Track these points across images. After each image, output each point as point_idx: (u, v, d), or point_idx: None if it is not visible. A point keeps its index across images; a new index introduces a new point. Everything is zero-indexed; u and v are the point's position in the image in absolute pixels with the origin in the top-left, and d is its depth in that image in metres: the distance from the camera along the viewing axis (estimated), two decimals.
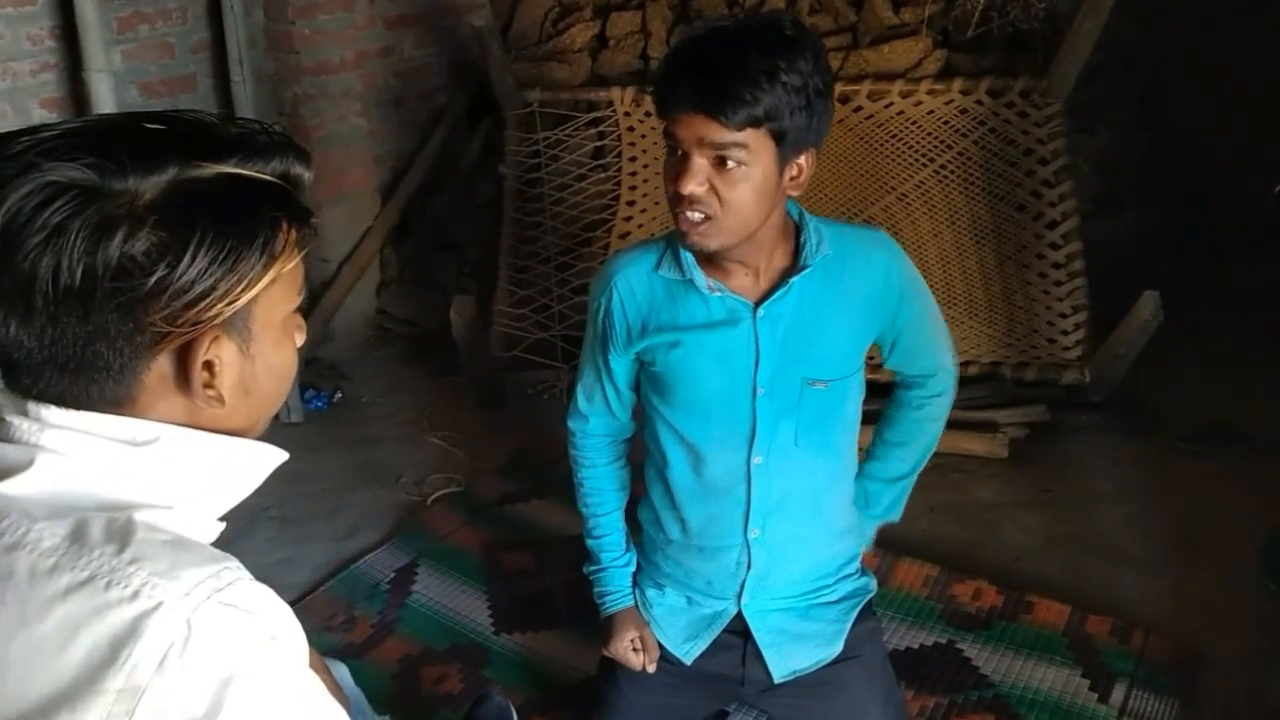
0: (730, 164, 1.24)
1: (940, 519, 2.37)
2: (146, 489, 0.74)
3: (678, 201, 1.27)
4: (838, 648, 1.54)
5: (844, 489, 1.56)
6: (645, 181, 3.05)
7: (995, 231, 2.82)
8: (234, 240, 0.71)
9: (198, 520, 0.77)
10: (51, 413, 0.72)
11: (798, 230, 1.40)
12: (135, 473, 0.73)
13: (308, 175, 0.79)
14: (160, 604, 0.65)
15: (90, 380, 0.72)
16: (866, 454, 1.64)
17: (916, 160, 2.89)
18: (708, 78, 1.21)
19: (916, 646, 1.98)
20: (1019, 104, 2.87)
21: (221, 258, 0.71)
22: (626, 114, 3.07)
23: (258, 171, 0.74)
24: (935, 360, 1.57)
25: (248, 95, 2.77)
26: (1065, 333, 2.71)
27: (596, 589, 1.60)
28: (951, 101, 2.89)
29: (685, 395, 1.43)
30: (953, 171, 2.86)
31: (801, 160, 1.29)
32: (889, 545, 2.25)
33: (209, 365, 0.74)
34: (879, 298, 1.43)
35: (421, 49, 3.38)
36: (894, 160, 2.90)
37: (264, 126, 0.77)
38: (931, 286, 2.73)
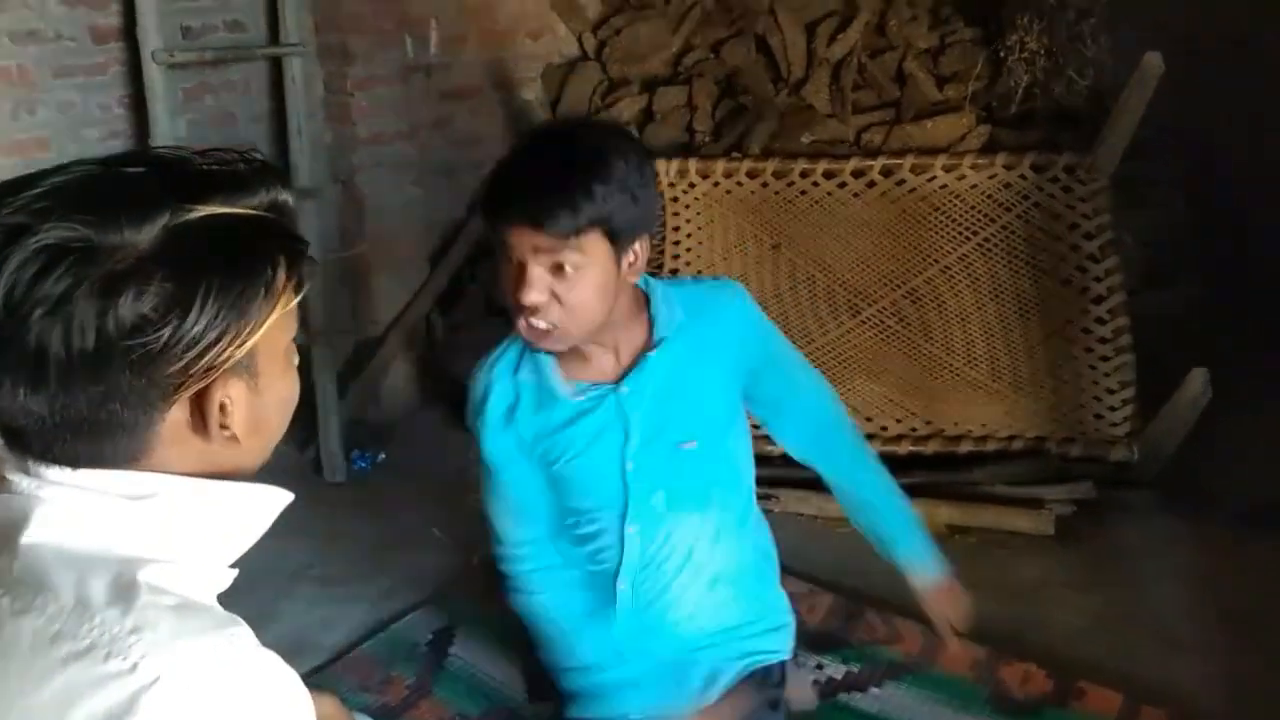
0: (567, 268, 1.27)
1: (984, 597, 2.31)
2: (150, 543, 0.72)
3: (519, 311, 1.30)
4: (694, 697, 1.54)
5: (729, 547, 1.56)
6: (689, 250, 3.08)
7: (1040, 305, 2.80)
8: (241, 283, 0.70)
9: (206, 572, 0.75)
10: (52, 471, 0.71)
11: (649, 301, 1.44)
12: (137, 527, 0.71)
13: (293, 200, 0.78)
14: (158, 679, 0.63)
15: (105, 440, 0.70)
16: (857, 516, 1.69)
17: (960, 233, 2.89)
18: (531, 193, 1.26)
19: None
20: (1064, 179, 2.88)
21: (231, 302, 0.69)
22: (671, 184, 3.12)
23: (246, 206, 0.72)
24: (819, 394, 1.61)
25: (306, 164, 2.86)
26: (1113, 409, 2.67)
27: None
28: (995, 176, 2.90)
29: (573, 484, 1.49)
30: (996, 245, 2.86)
31: (636, 247, 1.33)
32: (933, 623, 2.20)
33: (222, 407, 0.73)
34: (737, 339, 1.48)
35: (474, 120, 3.48)
36: (937, 233, 2.91)
37: (240, 154, 0.75)
38: (975, 360, 2.76)
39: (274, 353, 0.75)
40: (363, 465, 2.94)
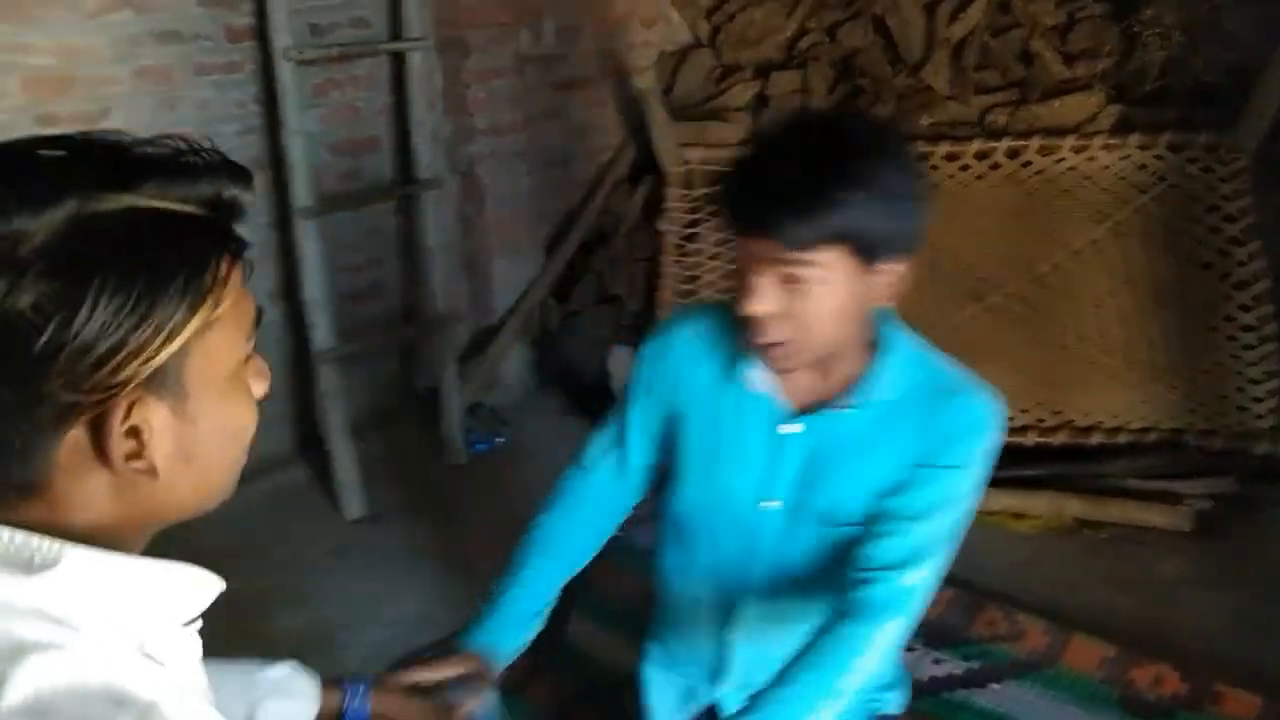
0: (801, 284, 1.09)
1: (1115, 594, 2.23)
2: (48, 624, 0.58)
3: (747, 323, 1.14)
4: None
5: None
6: None
7: (1178, 292, 2.67)
8: (143, 285, 0.58)
9: (122, 652, 0.61)
10: None
11: (878, 348, 1.21)
12: (29, 600, 0.59)
13: (246, 197, 0.66)
14: None
15: None
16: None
17: (1091, 217, 2.78)
18: (766, 195, 1.09)
19: None
20: (1203, 159, 2.73)
21: (130, 307, 0.58)
22: None
23: (179, 199, 0.61)
24: (908, 554, 1.19)
25: (426, 155, 2.93)
26: (1257, 400, 2.53)
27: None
28: (1128, 157, 2.78)
29: (696, 485, 1.31)
30: (1131, 228, 2.74)
31: (891, 266, 1.13)
32: (1060, 620, 2.13)
33: (136, 432, 0.61)
34: (933, 447, 1.19)
35: (588, 110, 3.51)
36: (1066, 217, 2.80)
37: (193, 145, 0.64)
38: (1108, 348, 2.65)
39: (210, 373, 0.63)
40: (482, 448, 3.00)
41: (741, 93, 3.46)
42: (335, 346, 2.70)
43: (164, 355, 0.60)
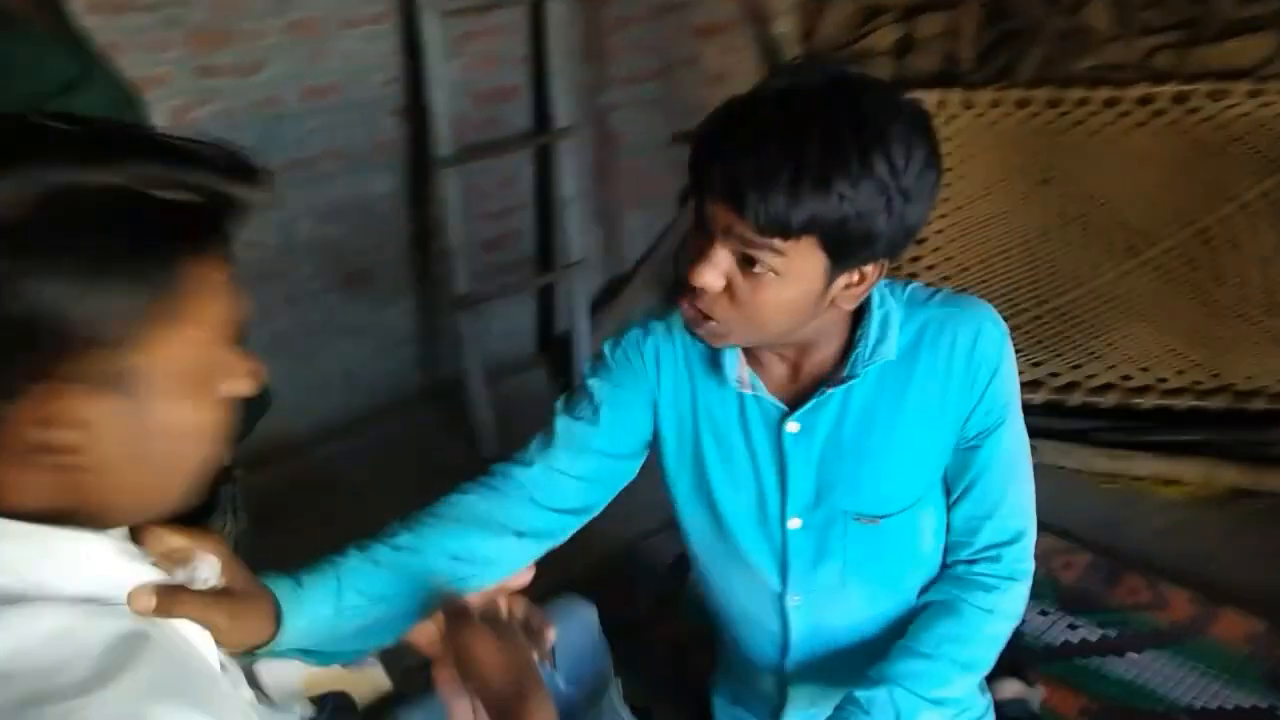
0: (758, 267, 0.94)
1: (1271, 566, 2.10)
2: None
3: (686, 288, 0.99)
4: None
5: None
6: (947, 187, 2.93)
7: None
8: (93, 268, 0.55)
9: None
10: None
11: (862, 316, 1.07)
12: None
13: (247, 195, 0.61)
14: None
15: None
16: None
17: (1265, 167, 2.58)
18: (745, 165, 0.90)
19: (1230, 708, 1.78)
20: None
21: (76, 295, 0.54)
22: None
23: (164, 184, 0.57)
24: (1011, 512, 1.13)
25: (562, 104, 2.95)
26: None
27: None
28: None
29: (702, 511, 1.19)
30: None
31: (866, 269, 0.98)
32: (1208, 591, 2.03)
33: (78, 426, 0.57)
34: (964, 383, 1.07)
35: (725, 57, 3.45)
36: (1237, 166, 2.61)
37: (207, 141, 0.61)
38: (1276, 308, 2.46)
39: (172, 371, 0.59)
40: None
41: (885, 36, 3.35)
42: (472, 291, 2.77)
43: (122, 355, 0.57)
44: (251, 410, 1.44)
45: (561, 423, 1.15)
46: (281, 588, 0.89)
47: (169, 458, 0.63)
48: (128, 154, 0.57)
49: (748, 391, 1.10)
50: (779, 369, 1.11)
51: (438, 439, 2.84)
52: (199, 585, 0.72)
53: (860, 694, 1.08)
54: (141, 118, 1.36)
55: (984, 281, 2.79)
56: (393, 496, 2.49)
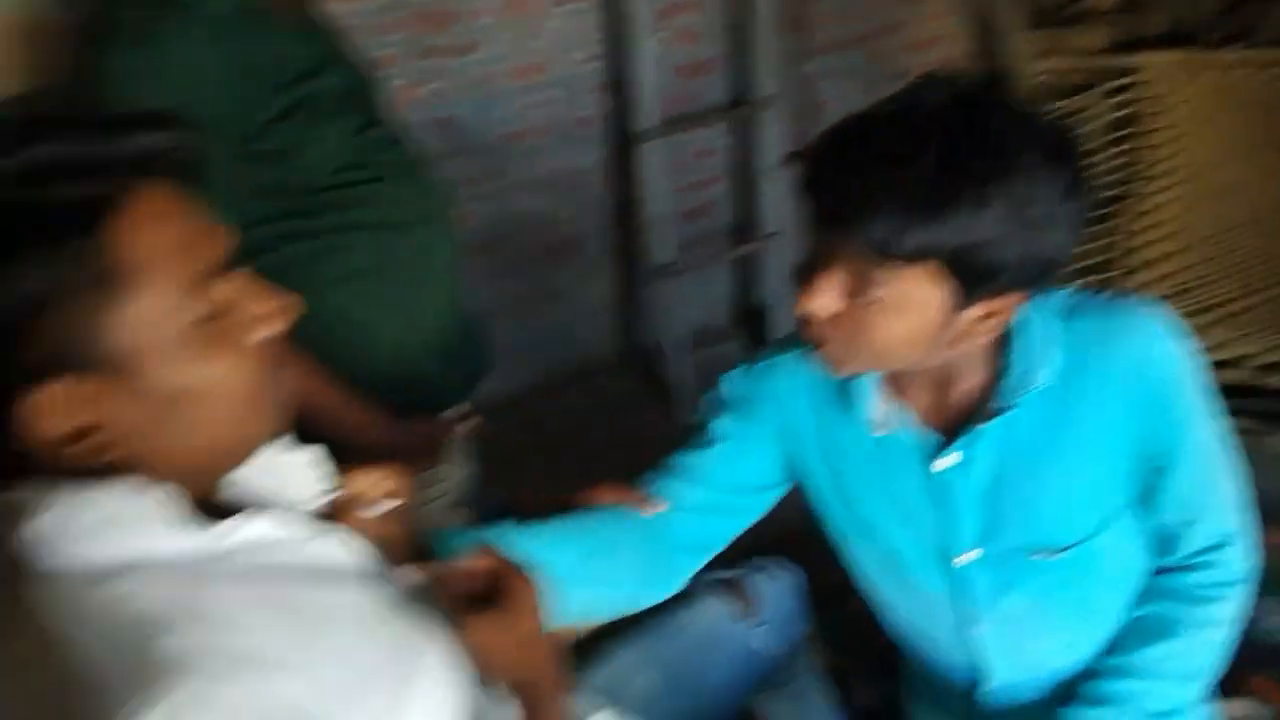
0: (869, 295, 0.88)
1: None
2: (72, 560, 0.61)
3: (800, 318, 0.94)
4: None
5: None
6: (1175, 155, 2.75)
7: None
8: (6, 267, 0.57)
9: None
10: None
11: (1010, 340, 0.99)
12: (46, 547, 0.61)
13: (149, 143, 0.62)
14: None
15: None
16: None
17: None
18: (854, 187, 0.84)
19: None
20: None
21: (3, 293, 0.56)
22: (1156, 81, 2.79)
23: (48, 172, 0.58)
24: (1218, 514, 1.05)
25: (762, 73, 2.95)
26: None
27: None
28: None
29: (862, 544, 1.14)
30: None
31: (999, 301, 0.90)
32: None
33: (82, 411, 0.60)
34: (1133, 402, 0.99)
35: (934, 22, 3.34)
36: None
37: (114, 114, 0.63)
38: None
39: (147, 344, 0.61)
40: None
41: None
42: (670, 261, 2.83)
43: (44, 335, 0.58)
44: (475, 367, 1.55)
45: (678, 459, 1.12)
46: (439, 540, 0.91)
47: (204, 416, 0.64)
48: (17, 145, 0.58)
49: (884, 433, 1.05)
50: (925, 397, 1.04)
51: (637, 403, 2.93)
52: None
53: (1072, 716, 1.06)
54: (377, 97, 1.46)
55: (1211, 260, 2.60)
56: (595, 458, 2.62)
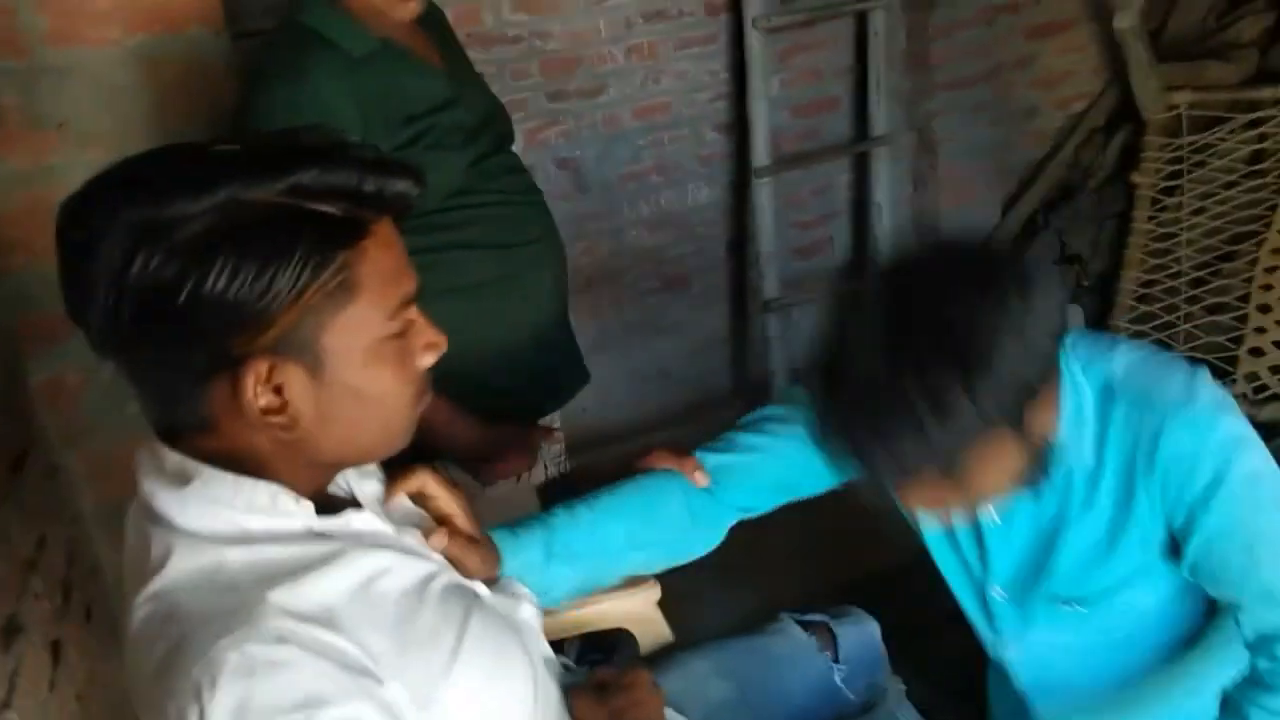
0: (961, 485, 0.96)
1: None
2: (202, 526, 0.76)
3: None
4: None
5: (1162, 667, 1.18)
6: None
7: None
8: (260, 264, 0.69)
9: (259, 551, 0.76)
10: (154, 442, 0.79)
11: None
12: (189, 512, 0.76)
13: (393, 188, 0.75)
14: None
15: (166, 407, 0.77)
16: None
17: None
18: (875, 453, 0.94)
19: None
20: None
21: (246, 281, 0.69)
22: None
23: (321, 189, 0.72)
24: (1268, 594, 1.05)
25: (882, 113, 2.98)
26: None
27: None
28: None
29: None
30: None
31: (1040, 401, 0.97)
32: None
33: (277, 391, 0.73)
34: (1162, 480, 1.03)
35: (1063, 56, 3.30)
36: None
37: (353, 145, 0.75)
38: None
39: (349, 345, 0.75)
40: None
41: (1251, 25, 3.03)
42: (780, 296, 2.89)
43: (281, 326, 0.71)
44: (569, 381, 1.65)
45: (744, 438, 1.22)
46: (499, 535, 1.03)
47: (357, 418, 0.78)
48: (282, 169, 0.71)
49: None
50: None
51: None
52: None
53: None
54: (505, 132, 1.59)
55: None
56: None
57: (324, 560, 0.77)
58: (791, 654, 1.22)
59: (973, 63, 3.21)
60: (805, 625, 1.31)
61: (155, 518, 0.77)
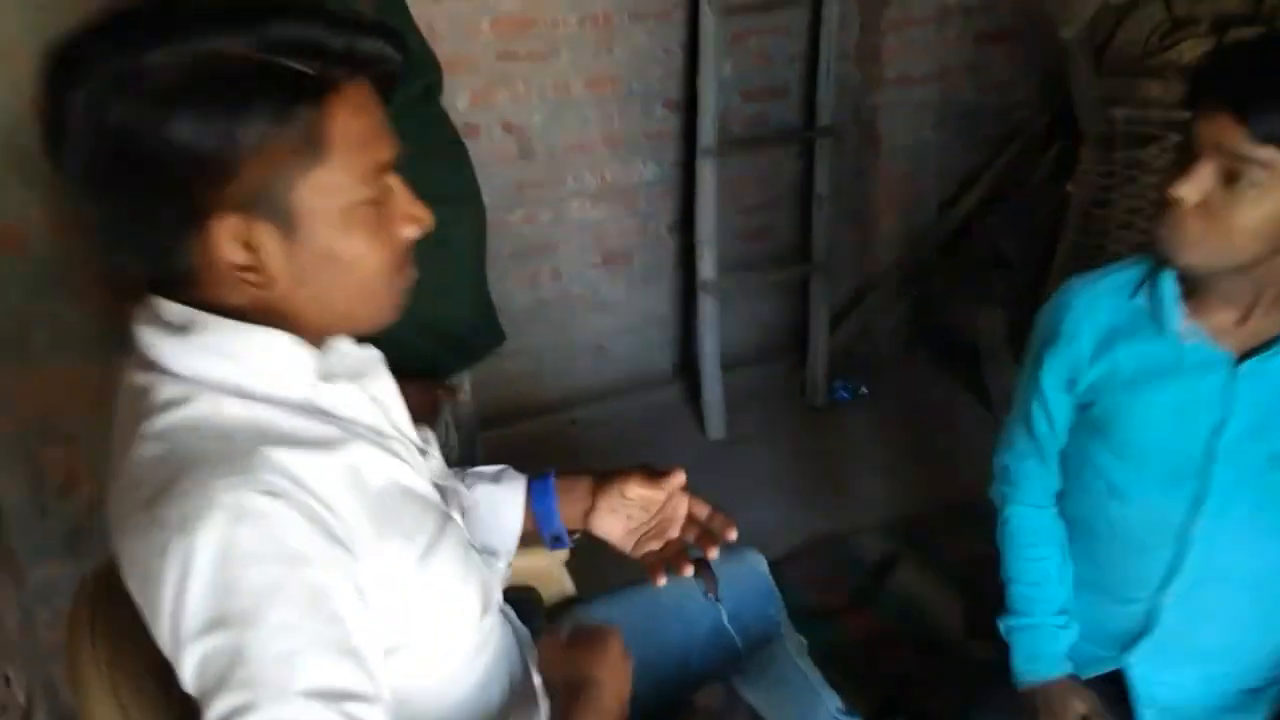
0: (1241, 181, 1.03)
1: None
2: (182, 385, 0.78)
3: (1165, 203, 1.10)
4: None
5: None
6: None
7: None
8: (222, 113, 0.71)
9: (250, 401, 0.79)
10: (153, 305, 0.80)
11: None
12: (187, 358, 0.78)
13: (366, 47, 0.76)
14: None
15: (151, 259, 0.78)
16: None
17: None
18: (1250, 77, 1.03)
19: None
20: None
21: (207, 129, 0.70)
22: None
23: (291, 43, 0.72)
24: None
25: (828, 103, 3.00)
26: None
27: (1018, 653, 1.34)
28: None
29: (1122, 441, 1.24)
30: None
31: None
32: None
33: (250, 249, 0.75)
34: None
35: (1009, 64, 3.35)
36: None
37: (339, 10, 0.76)
38: None
39: (322, 206, 0.76)
40: (844, 395, 3.08)
41: (1191, 48, 3.11)
42: (717, 278, 2.90)
43: (252, 177, 0.72)
44: (482, 340, 1.62)
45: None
46: None
47: (329, 283, 0.79)
48: (251, 22, 0.72)
49: (1191, 342, 1.17)
50: (1226, 317, 1.17)
51: (673, 417, 3.00)
52: None
53: None
54: (433, 82, 1.53)
55: None
56: (618, 462, 2.68)
57: (321, 441, 0.80)
58: (678, 601, 1.22)
59: (922, 62, 3.24)
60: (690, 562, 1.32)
61: (153, 366, 0.79)
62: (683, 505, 1.08)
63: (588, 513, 1.10)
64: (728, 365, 2.96)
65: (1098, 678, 1.32)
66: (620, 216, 2.99)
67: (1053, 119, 3.29)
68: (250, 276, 0.77)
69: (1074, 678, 1.31)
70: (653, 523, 1.09)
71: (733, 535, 1.06)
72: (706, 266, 2.88)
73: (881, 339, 3.34)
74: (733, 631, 1.28)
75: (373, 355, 0.92)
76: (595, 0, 2.81)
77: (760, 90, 3.11)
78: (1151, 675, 1.29)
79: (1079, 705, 1.29)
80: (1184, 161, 1.07)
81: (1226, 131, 1.03)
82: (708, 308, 2.90)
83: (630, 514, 1.09)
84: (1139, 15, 3.27)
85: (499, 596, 1.01)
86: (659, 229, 3.07)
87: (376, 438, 0.86)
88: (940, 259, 3.33)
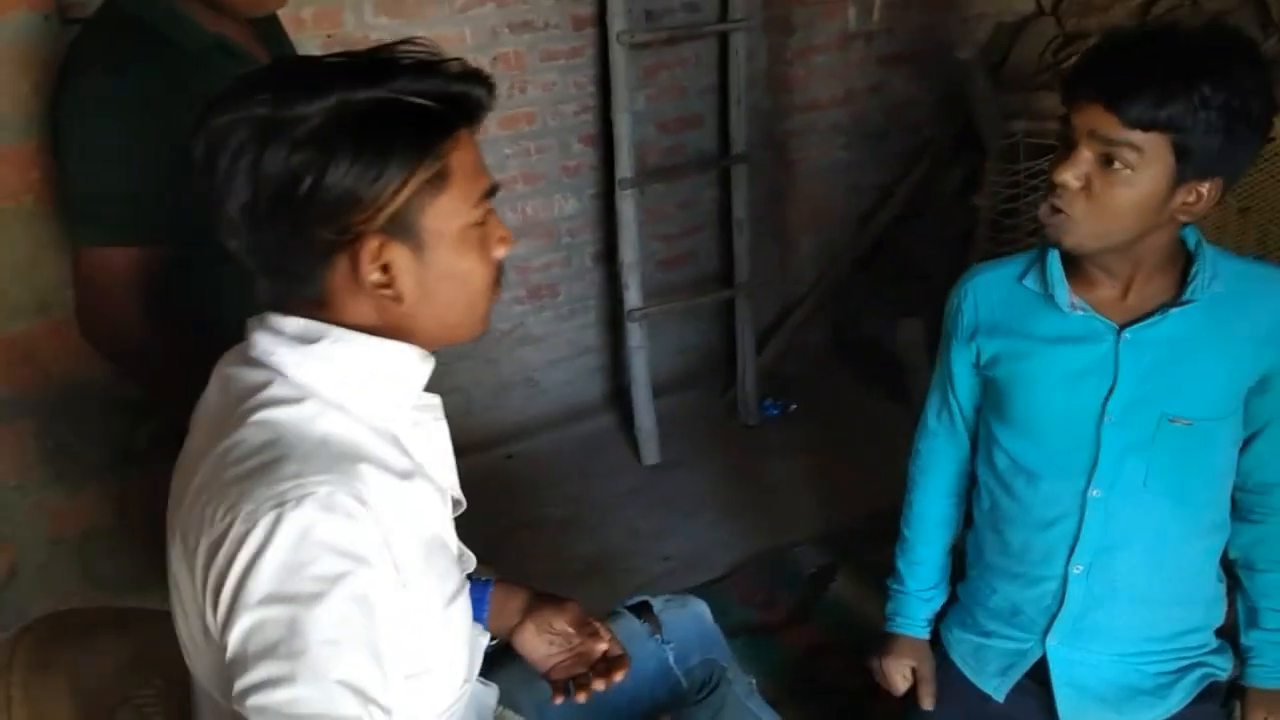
0: (1116, 164, 1.14)
1: None
2: (313, 382, 0.87)
3: (1048, 194, 1.20)
4: None
5: (1200, 549, 1.35)
6: None
7: None
8: (373, 154, 0.82)
9: (360, 409, 0.88)
10: (269, 315, 0.89)
11: (1190, 260, 1.26)
12: (306, 366, 0.87)
13: (477, 93, 0.88)
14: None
15: (287, 284, 0.88)
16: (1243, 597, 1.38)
17: None
18: (1117, 69, 1.13)
19: None
20: None
21: (362, 169, 0.82)
22: None
23: (419, 93, 0.84)
24: None
25: (742, 131, 3.07)
26: None
27: (890, 605, 1.53)
28: None
29: (1022, 412, 1.33)
30: None
31: (1204, 188, 1.16)
32: None
33: (386, 268, 0.86)
34: (1264, 336, 1.25)
35: (912, 84, 3.48)
36: None
37: (441, 56, 0.87)
38: None
39: (442, 229, 0.88)
40: (773, 412, 3.13)
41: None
42: (644, 306, 2.94)
43: (392, 207, 0.84)
44: None
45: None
46: None
47: (450, 296, 0.91)
48: (387, 74, 0.84)
49: (1077, 313, 1.27)
50: (1109, 291, 1.27)
51: (607, 445, 3.02)
52: None
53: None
54: None
55: None
56: (561, 493, 2.70)
57: (402, 472, 0.90)
58: (626, 641, 1.26)
59: (828, 86, 3.34)
60: (636, 612, 1.37)
61: (267, 367, 0.88)
62: (600, 648, 1.19)
63: (515, 629, 1.20)
64: (659, 391, 3.00)
65: (1026, 676, 1.38)
66: (544, 250, 3.03)
67: (959, 135, 3.41)
68: (387, 293, 0.87)
69: (924, 641, 1.49)
70: (570, 655, 1.19)
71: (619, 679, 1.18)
72: (632, 295, 2.92)
73: (808, 355, 3.41)
74: (679, 673, 1.31)
75: (438, 401, 1.00)
76: (506, 41, 2.86)
77: (675, 121, 3.18)
78: (1067, 655, 1.36)
79: (912, 659, 1.47)
80: (1064, 150, 1.18)
81: (1099, 119, 1.13)
82: (636, 335, 2.93)
83: (553, 640, 1.19)
84: (1032, 32, 3.43)
85: (479, 667, 1.09)
86: (583, 261, 3.10)
87: (434, 483, 0.96)
88: (859, 274, 3.42)
